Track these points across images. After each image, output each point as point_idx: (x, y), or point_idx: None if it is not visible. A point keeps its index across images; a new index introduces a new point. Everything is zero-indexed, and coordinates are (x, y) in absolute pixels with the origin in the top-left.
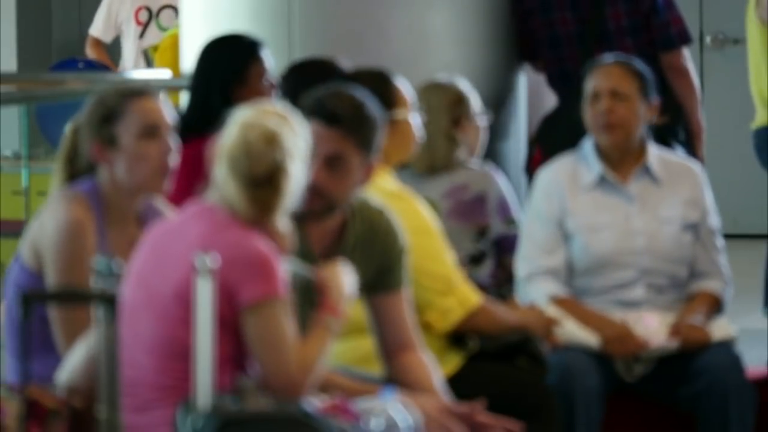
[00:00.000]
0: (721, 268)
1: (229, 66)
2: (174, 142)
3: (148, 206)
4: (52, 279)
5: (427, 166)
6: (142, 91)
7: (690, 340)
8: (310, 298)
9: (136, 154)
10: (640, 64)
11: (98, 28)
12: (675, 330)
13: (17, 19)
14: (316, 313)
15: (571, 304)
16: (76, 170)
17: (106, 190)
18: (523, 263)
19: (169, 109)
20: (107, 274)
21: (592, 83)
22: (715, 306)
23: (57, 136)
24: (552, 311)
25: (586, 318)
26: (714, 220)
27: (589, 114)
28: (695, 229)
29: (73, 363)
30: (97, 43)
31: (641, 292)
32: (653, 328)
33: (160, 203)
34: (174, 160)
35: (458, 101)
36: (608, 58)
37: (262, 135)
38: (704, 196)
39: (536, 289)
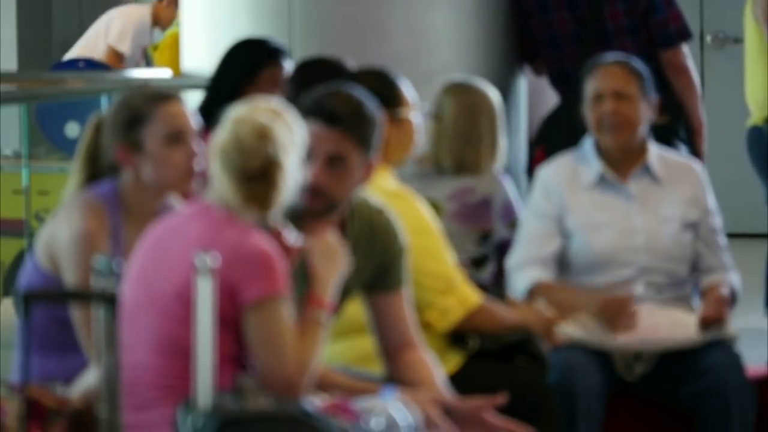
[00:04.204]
0: (727, 264)
1: (242, 65)
2: (199, 145)
3: (166, 205)
4: (69, 283)
5: (456, 167)
6: (167, 96)
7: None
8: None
9: (161, 159)
10: (638, 64)
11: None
12: (705, 321)
13: (17, 19)
14: (304, 308)
15: (551, 288)
16: (98, 170)
17: (128, 191)
18: (514, 254)
19: (193, 112)
20: (107, 273)
21: (593, 84)
22: (731, 296)
23: (57, 135)
24: (537, 303)
25: (569, 298)
26: (716, 220)
27: (592, 115)
28: (695, 228)
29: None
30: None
31: (640, 290)
32: (658, 322)
33: (177, 202)
34: (200, 163)
35: (497, 106)
36: (607, 58)
37: (253, 130)
38: (705, 195)
39: (521, 277)
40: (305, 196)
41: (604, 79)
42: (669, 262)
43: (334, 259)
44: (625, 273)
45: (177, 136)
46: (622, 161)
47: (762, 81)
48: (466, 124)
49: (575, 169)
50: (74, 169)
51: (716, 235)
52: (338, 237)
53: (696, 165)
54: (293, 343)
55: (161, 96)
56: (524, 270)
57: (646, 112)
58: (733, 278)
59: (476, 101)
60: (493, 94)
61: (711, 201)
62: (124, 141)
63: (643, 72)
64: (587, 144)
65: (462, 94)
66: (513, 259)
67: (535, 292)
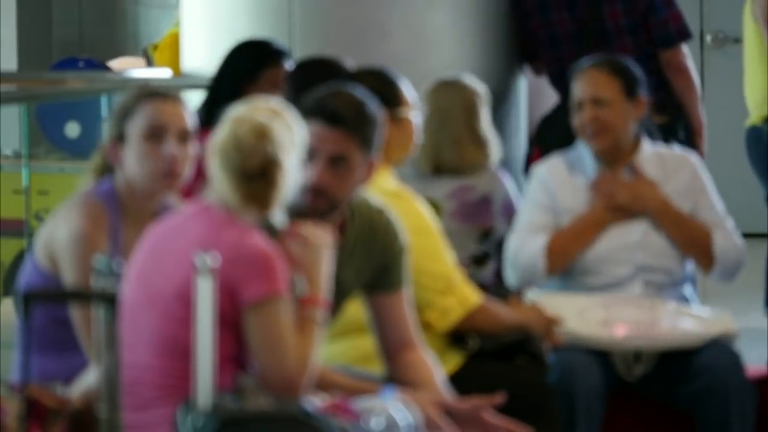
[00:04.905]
0: (726, 229)
1: (244, 65)
2: (184, 148)
3: (164, 206)
4: (68, 283)
5: (434, 168)
6: (159, 93)
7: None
8: None
9: (138, 153)
10: (623, 62)
11: None
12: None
13: (17, 19)
14: (298, 307)
15: (563, 235)
16: (108, 167)
17: (121, 190)
18: (512, 241)
19: (189, 114)
20: (107, 273)
21: (575, 91)
22: (705, 238)
23: (57, 135)
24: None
25: (583, 227)
26: (716, 204)
27: (576, 122)
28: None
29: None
30: None
31: (639, 289)
32: (657, 318)
33: (176, 202)
34: (181, 166)
35: (482, 102)
36: (589, 61)
37: (252, 129)
38: (699, 181)
39: (530, 249)
40: (307, 196)
41: (583, 85)
42: (665, 259)
43: (316, 253)
44: (622, 272)
45: (156, 132)
46: (616, 161)
47: (761, 81)
48: (437, 126)
49: (570, 168)
50: (90, 166)
51: (716, 215)
52: (314, 225)
53: (691, 156)
54: (293, 343)
55: (152, 92)
56: (530, 241)
57: (631, 112)
58: (718, 237)
59: (447, 103)
60: (474, 93)
61: (708, 188)
62: (113, 133)
63: (626, 71)
64: (581, 144)
65: (435, 96)
66: (511, 247)
67: (552, 247)
